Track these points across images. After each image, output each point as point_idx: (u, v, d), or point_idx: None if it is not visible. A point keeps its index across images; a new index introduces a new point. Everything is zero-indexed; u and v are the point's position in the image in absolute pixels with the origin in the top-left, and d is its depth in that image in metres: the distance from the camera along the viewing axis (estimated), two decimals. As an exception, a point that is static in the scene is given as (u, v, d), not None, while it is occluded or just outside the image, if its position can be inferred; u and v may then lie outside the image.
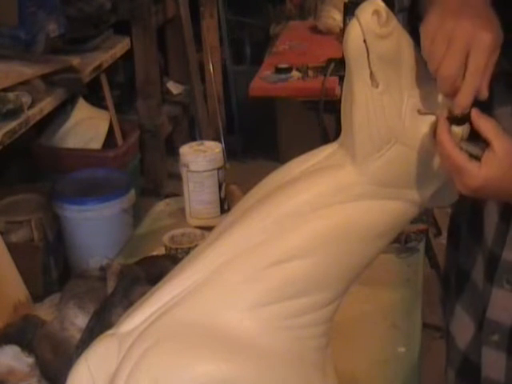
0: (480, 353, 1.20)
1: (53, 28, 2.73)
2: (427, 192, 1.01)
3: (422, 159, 0.99)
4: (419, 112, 0.98)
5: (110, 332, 1.00)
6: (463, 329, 1.25)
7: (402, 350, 1.28)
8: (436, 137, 0.96)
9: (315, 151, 1.06)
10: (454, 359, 1.28)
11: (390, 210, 1.01)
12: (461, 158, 0.95)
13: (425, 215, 1.66)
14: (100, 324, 1.14)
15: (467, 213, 1.26)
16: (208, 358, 0.93)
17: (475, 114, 0.96)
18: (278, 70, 3.06)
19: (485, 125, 0.96)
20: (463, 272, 1.26)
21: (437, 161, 0.99)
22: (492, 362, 1.18)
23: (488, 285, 1.17)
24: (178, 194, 1.89)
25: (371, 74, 0.96)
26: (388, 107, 0.97)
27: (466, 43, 0.94)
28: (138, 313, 0.99)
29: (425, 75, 1.00)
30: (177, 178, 1.97)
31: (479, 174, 0.95)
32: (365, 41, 0.95)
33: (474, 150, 0.96)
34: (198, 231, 1.61)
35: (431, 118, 0.98)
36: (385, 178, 0.99)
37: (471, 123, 0.96)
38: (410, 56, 0.98)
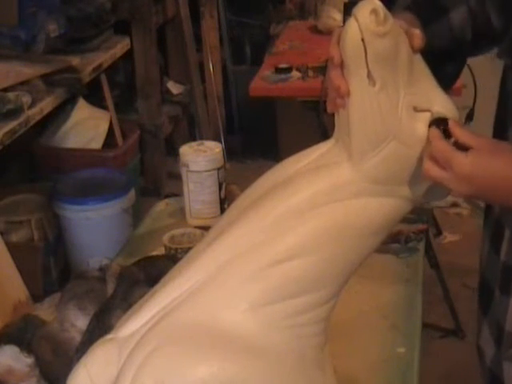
0: (502, 368, 1.20)
1: (53, 28, 2.72)
2: (421, 188, 1.02)
3: (417, 156, 0.99)
4: (415, 109, 0.98)
5: (108, 337, 0.99)
6: (488, 344, 1.25)
7: (401, 350, 1.28)
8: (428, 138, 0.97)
9: (309, 150, 1.06)
10: (485, 375, 1.29)
11: (385, 206, 1.01)
12: (449, 148, 0.95)
13: (425, 215, 1.66)
14: (100, 327, 1.14)
15: (491, 228, 1.26)
16: (211, 358, 0.93)
17: (452, 123, 0.97)
18: (278, 70, 3.05)
19: (461, 131, 0.97)
20: (488, 287, 1.26)
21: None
22: None
23: (504, 297, 1.17)
24: (177, 194, 1.89)
25: (369, 72, 0.96)
26: (384, 105, 0.97)
27: None
28: (137, 316, 0.99)
29: (420, 73, 1.00)
30: (177, 178, 1.97)
31: (466, 160, 0.94)
32: (363, 39, 0.95)
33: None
34: (198, 231, 1.61)
35: (427, 115, 0.99)
36: (381, 176, 0.99)
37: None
38: (406, 54, 0.98)
